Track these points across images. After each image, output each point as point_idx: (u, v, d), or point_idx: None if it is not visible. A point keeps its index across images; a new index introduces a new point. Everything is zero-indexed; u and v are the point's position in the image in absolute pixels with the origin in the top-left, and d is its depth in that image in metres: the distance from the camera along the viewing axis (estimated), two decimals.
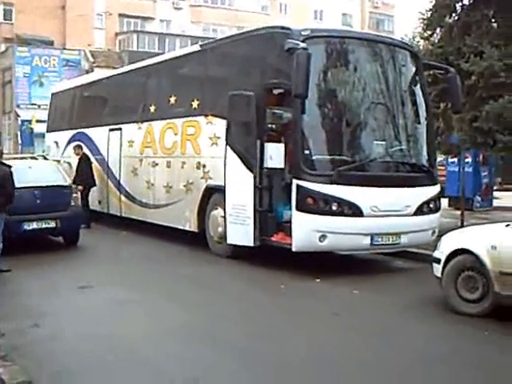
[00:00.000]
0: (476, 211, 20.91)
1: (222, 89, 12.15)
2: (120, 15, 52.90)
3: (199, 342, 6.86)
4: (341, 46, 11.19)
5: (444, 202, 16.29)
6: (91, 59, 46.46)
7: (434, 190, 11.50)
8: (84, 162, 17.03)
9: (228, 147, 11.65)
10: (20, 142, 43.92)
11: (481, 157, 21.87)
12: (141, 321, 7.84)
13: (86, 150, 17.78)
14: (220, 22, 54.53)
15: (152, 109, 14.94)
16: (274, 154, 11.04)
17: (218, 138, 12.18)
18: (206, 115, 12.69)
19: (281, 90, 11.09)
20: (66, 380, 5.77)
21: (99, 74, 22.76)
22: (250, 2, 57.61)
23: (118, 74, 18.18)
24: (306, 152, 10.43)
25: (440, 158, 20.07)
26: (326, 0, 61.93)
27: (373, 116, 11.12)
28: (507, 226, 8.11)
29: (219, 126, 12.11)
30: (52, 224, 12.88)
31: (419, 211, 11.13)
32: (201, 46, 13.94)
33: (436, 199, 11.55)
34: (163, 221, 14.32)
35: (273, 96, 11.36)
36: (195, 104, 13.10)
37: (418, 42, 17.24)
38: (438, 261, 8.55)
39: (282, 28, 11.16)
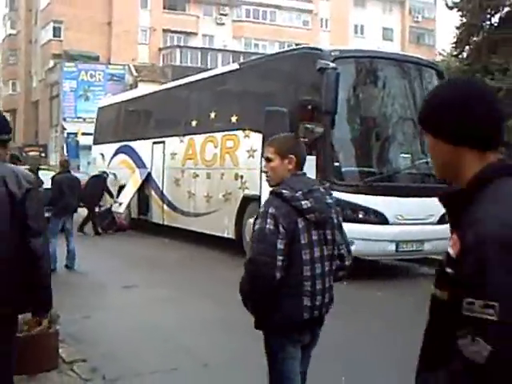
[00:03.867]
0: None
1: (258, 105, 12.97)
2: (164, 30, 54.22)
3: (231, 333, 7.65)
4: (368, 65, 12.01)
5: None
6: (135, 73, 47.74)
7: None
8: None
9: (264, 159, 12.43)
10: (66, 154, 45.31)
11: None
12: (178, 314, 8.71)
13: (130, 162, 18.83)
14: (261, 37, 55.50)
15: (193, 123, 15.86)
16: (306, 166, 11.76)
17: (255, 150, 13.01)
18: (244, 129, 13.55)
19: (313, 106, 11.85)
20: (114, 359, 6.63)
21: (144, 89, 23.78)
22: (291, 17, 58.59)
23: (162, 90, 19.20)
24: (335, 164, 11.22)
25: None
26: (367, 14, 62.62)
27: (398, 130, 11.91)
28: None
29: (256, 139, 12.94)
30: None
31: (442, 220, 11.77)
32: (239, 64, 14.86)
33: None
34: (203, 228, 15.18)
35: (305, 111, 12.11)
36: (234, 119, 13.98)
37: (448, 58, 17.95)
38: None
39: (314, 49, 12.03)
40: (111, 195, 18.93)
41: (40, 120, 56.82)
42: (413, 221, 11.36)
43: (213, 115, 14.94)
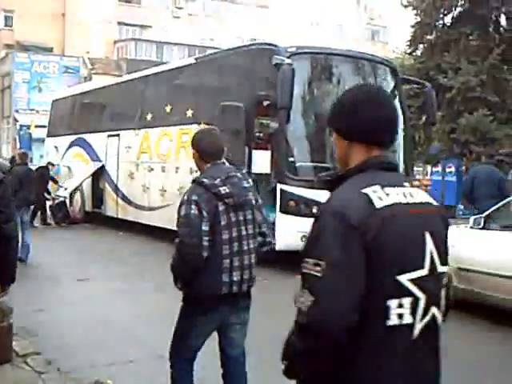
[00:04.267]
0: (458, 219, 21.78)
1: (214, 99, 13.03)
2: (119, 23, 53.76)
3: None
4: (324, 61, 12.18)
5: None
6: (90, 66, 47.31)
7: None
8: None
9: None
10: (18, 146, 44.71)
11: (464, 167, 22.79)
12: (133, 307, 8.77)
13: (84, 155, 18.71)
14: (217, 31, 55.38)
15: (149, 117, 15.83)
16: (261, 161, 11.91)
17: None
18: (199, 123, 13.56)
19: (268, 102, 11.95)
20: (69, 352, 6.65)
21: (99, 82, 23.64)
22: (246, 12, 58.56)
23: (117, 83, 19.13)
24: (290, 159, 11.36)
25: (422, 167, 20.92)
26: (323, 11, 62.91)
27: None
28: (466, 226, 9.01)
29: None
30: None
31: None
32: (196, 58, 14.88)
33: None
34: (157, 222, 15.17)
35: (261, 107, 12.22)
36: (189, 113, 14.00)
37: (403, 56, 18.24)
38: None
39: (270, 45, 12.10)
40: (56, 182, 18.89)
41: None
42: None
43: (168, 109, 14.94)
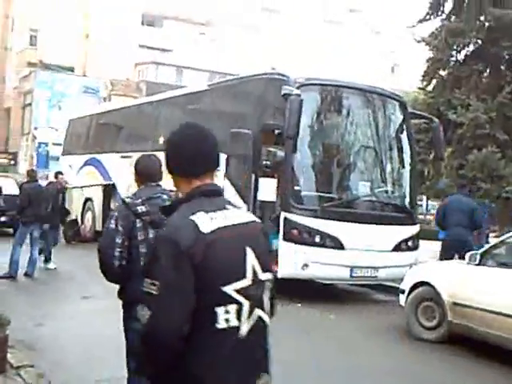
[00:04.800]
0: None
1: (224, 125, 13.19)
2: (140, 46, 54.37)
3: None
4: (333, 93, 12.35)
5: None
6: (110, 87, 47.84)
7: (412, 230, 12.49)
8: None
9: (226, 179, 12.71)
10: (35, 163, 45.15)
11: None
12: None
13: (97, 175, 18.97)
14: (239, 57, 55.78)
15: (161, 140, 16.04)
16: (267, 188, 12.06)
17: (218, 170, 13.18)
18: None
19: (277, 131, 12.11)
20: (62, 366, 6.82)
21: (114, 104, 23.98)
22: (271, 43, 59.03)
23: (132, 106, 19.45)
24: (295, 188, 11.51)
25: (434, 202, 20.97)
26: (344, 42, 63.28)
27: (359, 159, 12.25)
28: (462, 262, 9.10)
29: (220, 159, 13.10)
30: None
31: (397, 248, 12.11)
32: (209, 85, 15.12)
33: (414, 238, 12.52)
34: None
35: (269, 135, 12.36)
36: None
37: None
38: (402, 292, 9.56)
39: (280, 74, 12.30)
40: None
41: (11, 127, 56.47)
42: (368, 247, 11.64)
43: None
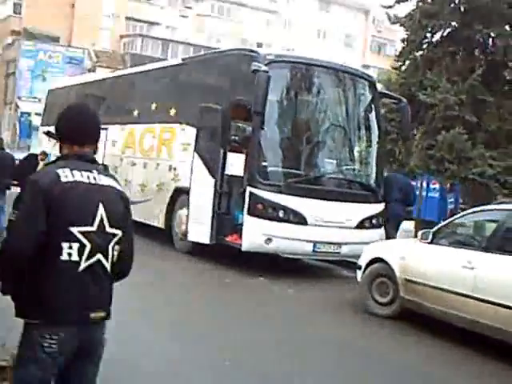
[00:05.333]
0: None
1: (195, 100, 13.33)
2: (127, 18, 54.12)
3: (136, 318, 8.01)
4: (302, 71, 12.47)
5: (412, 223, 17.56)
6: (94, 59, 47.68)
7: (377, 208, 12.68)
8: None
9: (195, 153, 12.86)
10: (18, 133, 45.09)
11: (448, 184, 23.05)
12: None
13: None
14: (223, 32, 55.77)
15: (135, 113, 16.16)
16: (235, 163, 12.21)
17: (189, 144, 13.35)
18: (181, 123, 13.89)
19: (246, 106, 12.23)
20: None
21: (91, 76, 23.98)
22: (254, 16, 58.95)
23: (109, 78, 19.45)
24: (261, 163, 11.66)
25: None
26: (331, 20, 63.24)
27: (326, 136, 12.44)
28: (415, 239, 9.32)
29: (191, 133, 13.29)
30: None
31: (361, 225, 12.31)
32: (183, 59, 15.21)
33: (379, 216, 12.71)
34: (136, 217, 15.37)
35: (240, 111, 12.46)
36: (172, 112, 14.31)
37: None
38: (359, 267, 9.78)
39: (251, 51, 12.43)
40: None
41: None
42: (332, 223, 11.83)
43: (154, 107, 15.26)
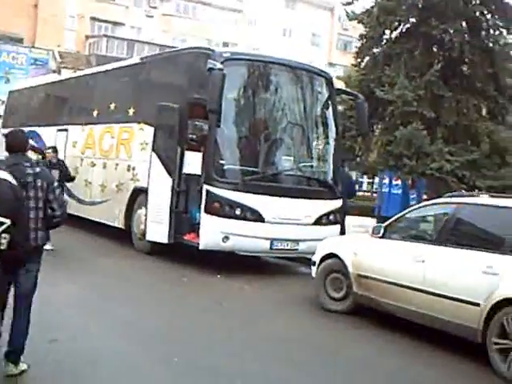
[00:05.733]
0: None
1: (153, 99, 13.30)
2: (92, 18, 53.69)
3: (92, 317, 8.07)
4: (259, 68, 12.51)
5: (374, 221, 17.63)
6: (59, 60, 47.24)
7: (335, 204, 12.75)
8: None
9: (153, 152, 12.84)
10: None
11: (410, 180, 23.23)
12: (49, 295, 9.00)
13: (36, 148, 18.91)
14: (189, 32, 55.61)
15: (95, 113, 16.10)
16: (192, 162, 12.22)
17: (147, 144, 13.34)
18: (139, 122, 13.87)
19: (202, 105, 12.23)
20: None
21: (51, 77, 23.84)
22: (220, 15, 58.87)
23: (69, 78, 19.39)
24: (217, 161, 11.68)
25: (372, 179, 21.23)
26: (296, 18, 63.32)
27: (283, 133, 12.51)
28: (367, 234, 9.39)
29: (149, 132, 13.28)
30: None
31: (318, 222, 12.38)
32: (141, 58, 15.19)
33: (336, 212, 12.79)
34: (97, 217, 15.41)
35: (198, 109, 12.40)
36: (131, 111, 14.29)
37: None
38: (314, 263, 9.83)
39: (206, 49, 12.44)
40: None
41: None
42: (288, 220, 11.88)
43: (112, 106, 15.22)
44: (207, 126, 12.17)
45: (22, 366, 5.76)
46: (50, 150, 13.95)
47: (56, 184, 6.20)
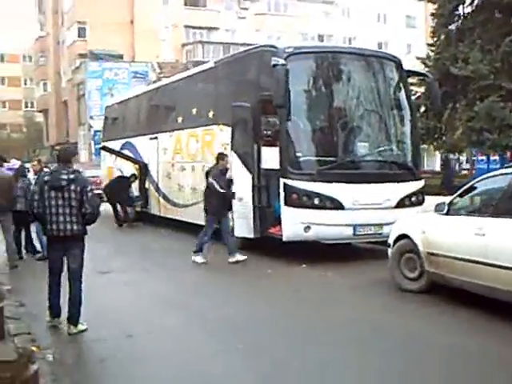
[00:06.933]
0: None
1: (228, 100, 13.73)
2: (186, 26, 55.05)
3: (176, 309, 8.59)
4: (324, 59, 12.71)
5: None
6: (158, 70, 48.71)
7: (416, 185, 12.78)
8: None
9: (232, 151, 13.26)
10: (94, 151, 46.57)
11: (508, 154, 22.73)
12: (130, 295, 9.60)
13: (132, 158, 19.86)
14: (283, 29, 55.89)
15: (179, 119, 16.73)
16: (270, 157, 12.55)
17: (227, 144, 13.77)
18: (218, 124, 14.35)
19: (271, 101, 12.48)
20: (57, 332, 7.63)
21: (141, 88, 24.73)
22: (312, 8, 58.86)
23: (154, 89, 20.15)
24: (291, 154, 11.95)
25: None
26: (390, 2, 62.47)
27: (354, 120, 12.64)
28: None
29: (227, 133, 13.71)
30: None
31: (401, 204, 12.44)
32: (215, 62, 15.68)
33: (418, 193, 12.80)
34: (190, 218, 16.00)
35: (267, 106, 12.68)
36: (211, 114, 14.79)
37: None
38: (389, 245, 9.95)
39: (271, 46, 12.74)
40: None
41: (70, 119, 58.44)
42: (370, 205, 12.00)
43: (194, 111, 15.79)
44: (277, 121, 12.44)
45: (81, 327, 7.43)
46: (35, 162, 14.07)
47: (89, 188, 7.44)
